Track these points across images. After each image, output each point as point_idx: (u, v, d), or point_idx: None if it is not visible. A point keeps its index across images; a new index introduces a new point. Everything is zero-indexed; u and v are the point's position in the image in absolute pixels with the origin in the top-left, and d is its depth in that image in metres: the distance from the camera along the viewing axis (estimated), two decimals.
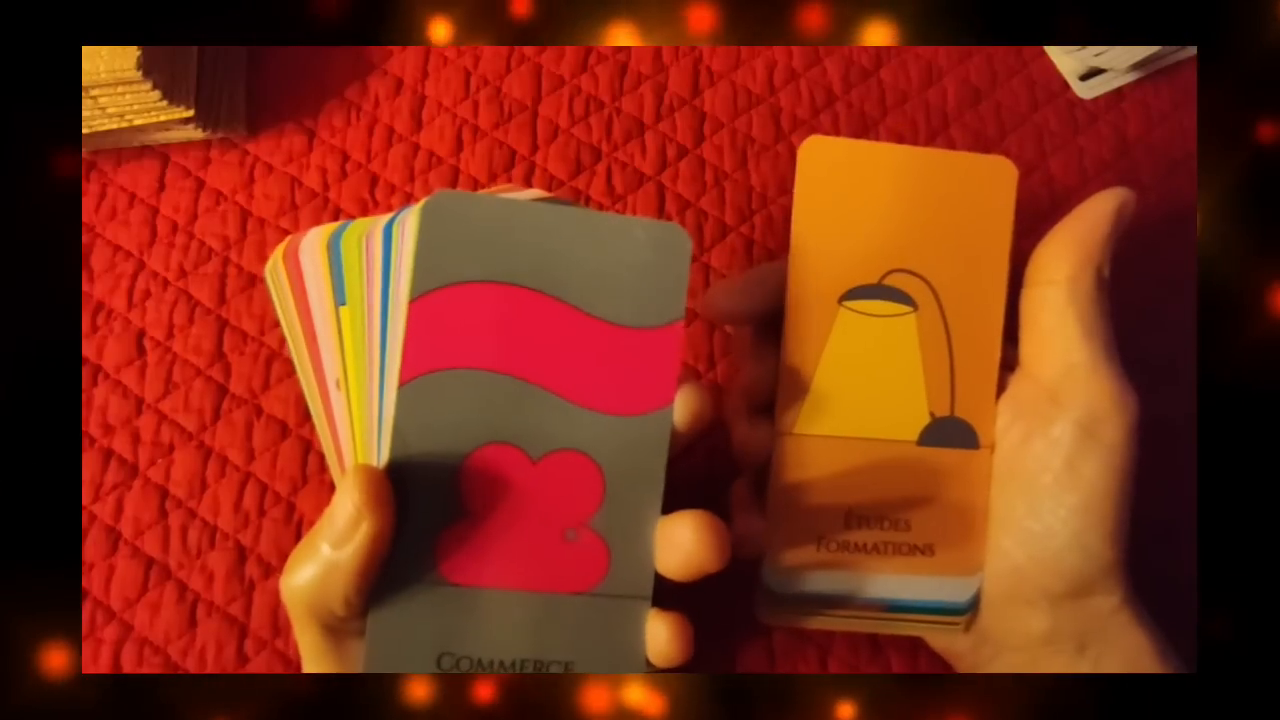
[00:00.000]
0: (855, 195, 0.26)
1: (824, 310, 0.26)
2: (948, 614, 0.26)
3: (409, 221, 0.22)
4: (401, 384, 0.22)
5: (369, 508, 0.21)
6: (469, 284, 0.22)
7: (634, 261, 0.23)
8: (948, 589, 0.26)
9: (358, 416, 0.24)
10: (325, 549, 0.21)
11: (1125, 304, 0.26)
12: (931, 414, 0.26)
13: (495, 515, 0.22)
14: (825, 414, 0.26)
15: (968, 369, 0.26)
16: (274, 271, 0.27)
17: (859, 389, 0.26)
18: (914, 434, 0.26)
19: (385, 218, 0.24)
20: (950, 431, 0.26)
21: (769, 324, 0.26)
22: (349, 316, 0.24)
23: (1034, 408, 0.25)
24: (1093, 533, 0.24)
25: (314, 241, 0.26)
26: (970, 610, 0.26)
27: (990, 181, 0.26)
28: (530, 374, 0.23)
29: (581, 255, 0.23)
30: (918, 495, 0.26)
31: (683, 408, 0.23)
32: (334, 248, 0.25)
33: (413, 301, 0.22)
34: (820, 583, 0.26)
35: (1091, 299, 0.25)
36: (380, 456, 0.23)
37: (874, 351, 0.26)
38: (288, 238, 0.27)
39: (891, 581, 0.26)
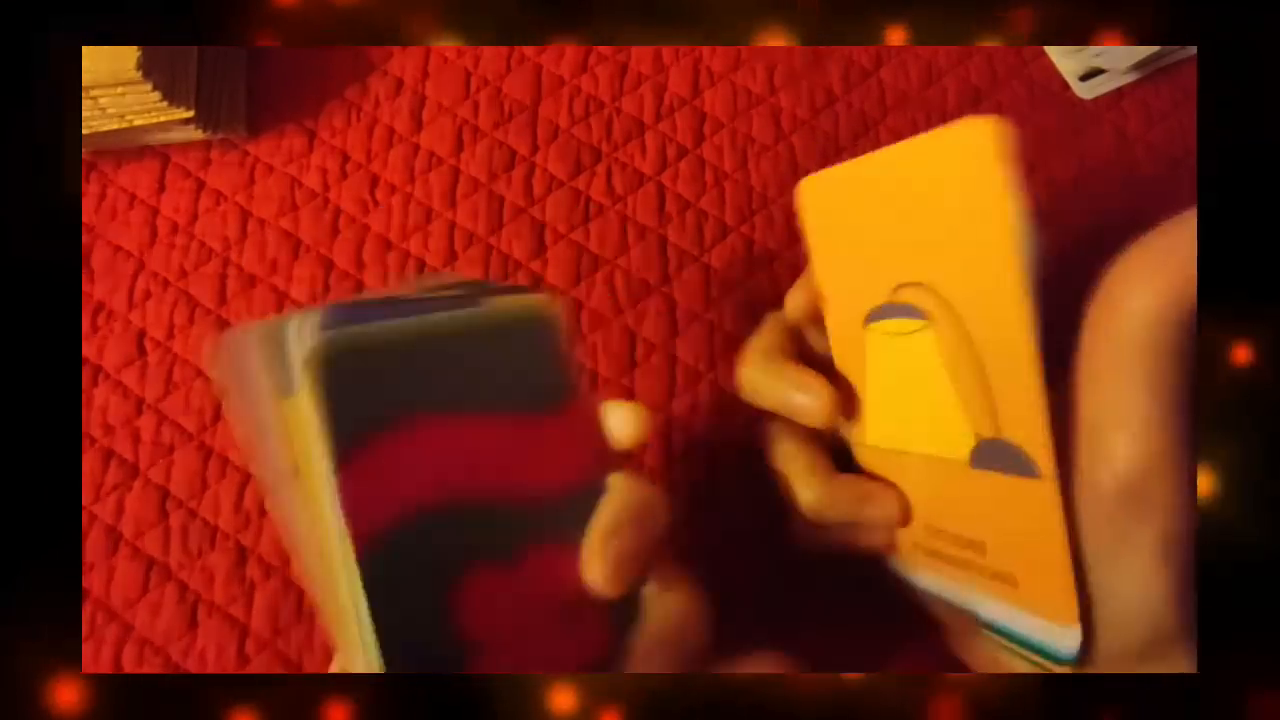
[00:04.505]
0: (853, 217, 0.25)
1: (856, 336, 0.26)
2: (1051, 659, 0.24)
3: (303, 395, 0.20)
4: (358, 560, 0.20)
5: None
6: (378, 433, 0.21)
7: (510, 351, 0.23)
8: (1049, 633, 0.23)
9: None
10: None
11: None
12: (977, 435, 0.23)
13: (495, 628, 0.22)
14: (883, 431, 0.26)
15: (1006, 383, 0.22)
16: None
17: (905, 408, 0.25)
18: (964, 453, 0.24)
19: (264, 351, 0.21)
20: (1000, 455, 0.23)
21: None
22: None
23: (1076, 454, 0.22)
24: (1154, 598, 0.22)
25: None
26: (1076, 662, 0.23)
27: (968, 152, 0.20)
28: (467, 493, 0.22)
29: (468, 360, 0.22)
30: (982, 517, 0.24)
31: (625, 427, 0.23)
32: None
33: (336, 471, 0.20)
34: (921, 579, 0.27)
35: (1167, 338, 0.21)
36: (366, 647, 0.21)
37: (906, 370, 0.25)
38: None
39: (986, 602, 0.25)
